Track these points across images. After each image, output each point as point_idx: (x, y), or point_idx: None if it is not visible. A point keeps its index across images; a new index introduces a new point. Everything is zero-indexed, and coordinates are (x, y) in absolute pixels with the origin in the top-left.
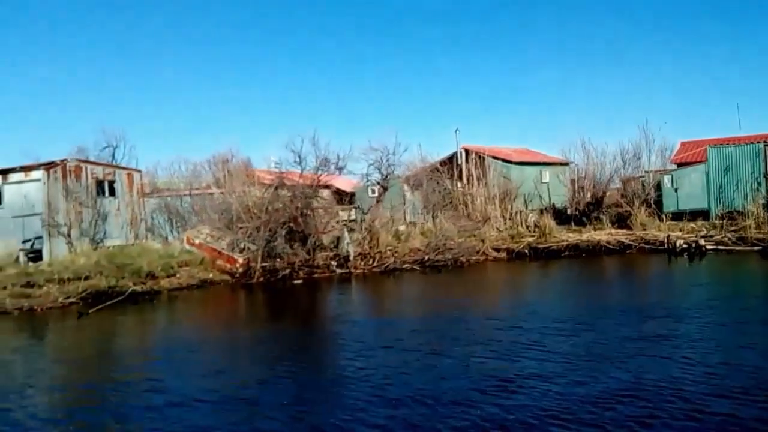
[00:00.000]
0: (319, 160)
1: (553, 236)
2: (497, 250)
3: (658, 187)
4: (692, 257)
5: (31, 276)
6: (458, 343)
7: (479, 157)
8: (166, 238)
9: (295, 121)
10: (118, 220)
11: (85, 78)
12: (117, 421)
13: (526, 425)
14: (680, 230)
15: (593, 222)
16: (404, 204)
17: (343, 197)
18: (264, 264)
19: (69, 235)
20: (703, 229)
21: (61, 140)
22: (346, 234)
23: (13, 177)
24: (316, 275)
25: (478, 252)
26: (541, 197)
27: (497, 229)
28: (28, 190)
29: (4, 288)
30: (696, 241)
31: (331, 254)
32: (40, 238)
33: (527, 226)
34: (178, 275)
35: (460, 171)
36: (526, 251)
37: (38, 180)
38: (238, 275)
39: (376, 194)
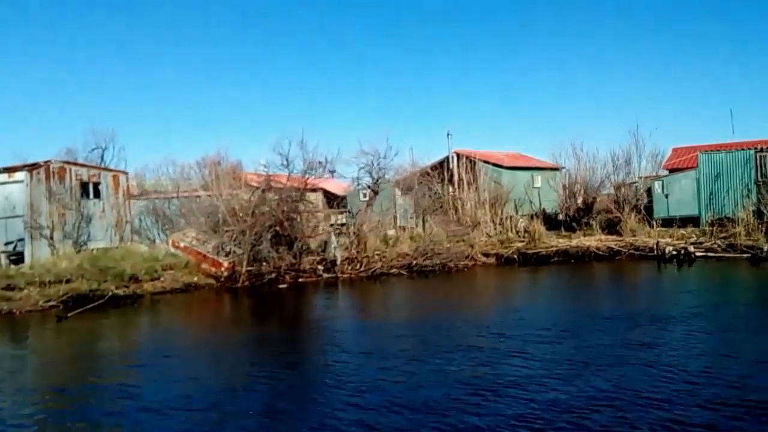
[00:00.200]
0: (307, 163)
1: (543, 242)
2: (486, 255)
3: (649, 193)
4: (681, 264)
5: (12, 278)
6: (439, 350)
7: (470, 161)
8: (154, 241)
9: (287, 122)
10: (103, 222)
11: (78, 79)
12: (88, 426)
13: None
14: (670, 236)
15: (583, 228)
16: (395, 208)
17: (335, 201)
18: (249, 268)
19: (51, 238)
20: (693, 235)
21: (53, 142)
22: (333, 238)
23: None
24: (302, 279)
25: (467, 257)
26: (531, 202)
27: (487, 234)
28: (11, 192)
29: None
30: (685, 248)
31: (318, 258)
32: (22, 240)
33: (517, 232)
34: (162, 279)
35: (451, 175)
36: (515, 257)
37: (21, 181)
38: (223, 279)
39: (367, 198)
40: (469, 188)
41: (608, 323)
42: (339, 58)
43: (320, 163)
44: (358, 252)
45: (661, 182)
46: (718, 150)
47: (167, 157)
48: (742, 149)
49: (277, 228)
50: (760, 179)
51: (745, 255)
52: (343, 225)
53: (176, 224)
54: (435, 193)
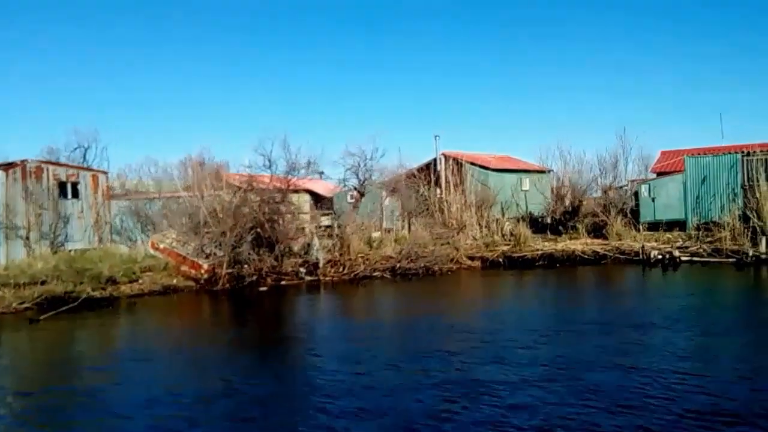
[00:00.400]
0: (290, 164)
1: (528, 245)
2: (471, 258)
3: (636, 196)
4: (666, 268)
5: None
6: (416, 355)
7: (457, 163)
8: (136, 242)
9: (274, 123)
10: (81, 222)
11: (61, 78)
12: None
13: None
14: (656, 241)
15: (569, 231)
16: (381, 210)
17: (322, 202)
18: (230, 270)
19: (27, 238)
20: (679, 239)
21: (35, 141)
22: (315, 240)
23: None
24: (284, 282)
25: (451, 260)
26: (518, 205)
27: (473, 237)
28: None
29: None
30: (670, 252)
31: (300, 261)
32: None
33: (503, 235)
34: (140, 281)
35: (437, 177)
36: (501, 260)
37: None
38: (203, 281)
39: (353, 200)
40: (455, 190)
41: (588, 328)
42: (326, 58)
43: (309, 163)
44: (341, 254)
45: (647, 186)
46: (705, 154)
47: (149, 157)
48: (729, 153)
49: (258, 230)
50: (746, 183)
51: (731, 260)
52: (328, 227)
53: (158, 225)
54: (421, 195)
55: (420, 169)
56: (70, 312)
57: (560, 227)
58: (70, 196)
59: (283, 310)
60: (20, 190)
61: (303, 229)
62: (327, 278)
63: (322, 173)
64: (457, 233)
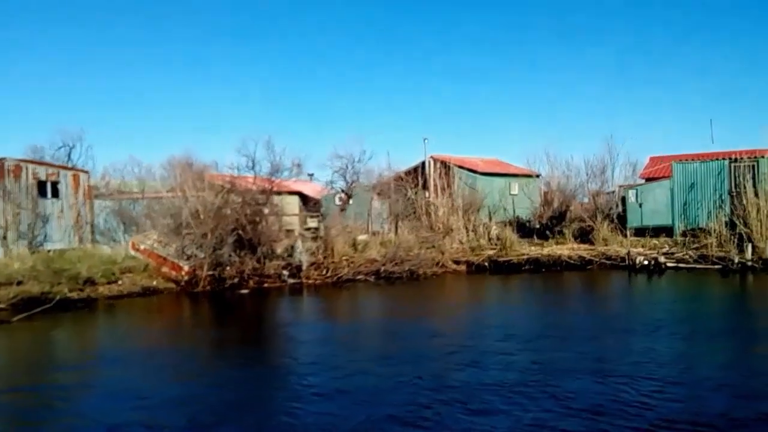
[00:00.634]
0: (273, 165)
1: (514, 249)
2: (457, 262)
3: (624, 202)
4: (651, 274)
5: None
6: (391, 360)
7: (445, 166)
8: (120, 243)
9: (262, 125)
10: (61, 222)
11: (47, 77)
12: None
13: None
14: (642, 246)
15: (556, 236)
16: (369, 213)
17: (311, 204)
18: (211, 272)
19: (5, 238)
20: (666, 245)
21: (19, 140)
22: (299, 242)
23: None
24: (266, 285)
25: (437, 264)
26: (505, 209)
27: (459, 241)
28: None
29: None
30: (656, 258)
31: (283, 263)
32: None
33: (490, 239)
34: (119, 282)
35: (425, 180)
36: (486, 264)
37: None
38: (183, 283)
39: (340, 202)
40: (443, 194)
41: (569, 334)
42: (315, 60)
43: (293, 164)
44: (325, 257)
45: (635, 191)
46: (693, 160)
47: (132, 156)
48: (716, 159)
49: (240, 231)
50: (733, 190)
51: (716, 266)
52: (316, 229)
53: (142, 226)
54: (408, 198)
55: (408, 172)
56: (45, 313)
57: (547, 232)
58: (49, 195)
59: (263, 312)
60: None
61: (286, 231)
62: (310, 281)
63: (312, 175)
64: (444, 237)
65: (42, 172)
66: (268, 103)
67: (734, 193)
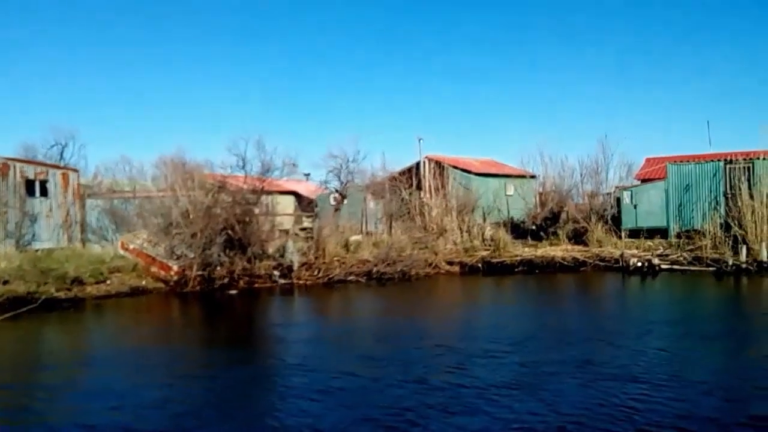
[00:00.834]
0: (265, 164)
1: (507, 251)
2: (450, 263)
3: (618, 203)
4: (645, 276)
5: None
6: (375, 364)
7: (439, 166)
8: (112, 242)
9: (257, 124)
10: (50, 221)
11: (40, 75)
12: None
13: None
14: (636, 248)
15: (550, 237)
16: (364, 213)
17: (306, 204)
18: (201, 272)
19: None
20: (660, 247)
21: (12, 139)
22: (290, 243)
23: None
24: (257, 285)
25: (430, 265)
26: (499, 210)
27: (453, 241)
28: None
29: None
30: (649, 260)
31: (274, 263)
32: None
33: (483, 240)
34: (108, 282)
35: (419, 180)
36: (480, 265)
37: None
38: (172, 283)
39: (335, 202)
40: (436, 194)
41: (558, 337)
42: (311, 59)
43: (293, 164)
44: (316, 258)
45: (629, 192)
46: (688, 161)
47: (124, 156)
48: (712, 161)
49: (229, 231)
50: (728, 192)
51: (711, 268)
52: (309, 229)
53: (133, 225)
54: (402, 198)
55: (403, 172)
56: (31, 313)
57: (541, 233)
58: (38, 194)
59: (251, 313)
60: None
61: (276, 231)
62: (301, 282)
63: (308, 175)
64: (437, 237)
65: (30, 171)
66: (267, 103)
67: (729, 195)
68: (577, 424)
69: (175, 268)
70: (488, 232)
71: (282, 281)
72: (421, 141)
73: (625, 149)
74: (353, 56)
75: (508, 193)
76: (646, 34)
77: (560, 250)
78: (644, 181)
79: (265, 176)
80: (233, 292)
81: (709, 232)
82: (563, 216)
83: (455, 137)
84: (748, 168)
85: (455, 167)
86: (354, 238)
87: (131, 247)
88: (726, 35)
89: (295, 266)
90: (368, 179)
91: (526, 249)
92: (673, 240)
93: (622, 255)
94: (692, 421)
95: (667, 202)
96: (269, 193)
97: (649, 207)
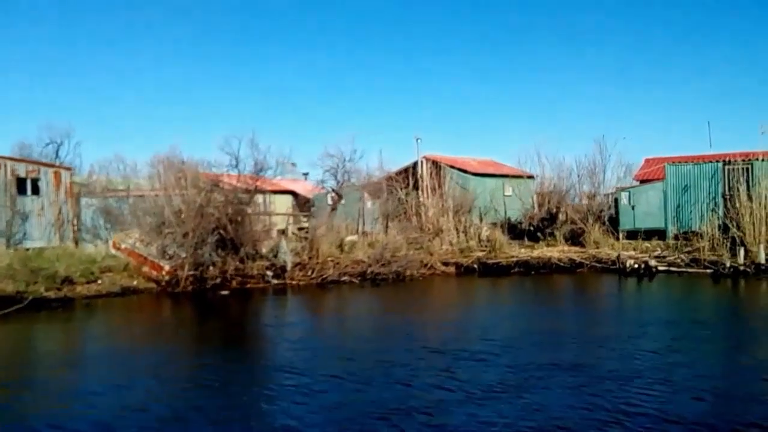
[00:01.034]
0: (258, 163)
1: (503, 252)
2: (446, 264)
3: (616, 204)
4: (641, 278)
5: None
6: (362, 366)
7: (436, 166)
8: (106, 241)
9: (255, 123)
10: (41, 220)
11: (36, 72)
12: None
13: None
14: (634, 249)
15: (547, 238)
16: (361, 213)
17: (304, 203)
18: (193, 272)
19: None
20: (658, 249)
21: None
22: (283, 243)
23: None
24: (249, 285)
25: (425, 265)
26: (496, 210)
27: (449, 242)
28: None
29: None
30: (646, 262)
31: (267, 264)
32: None
33: (480, 240)
34: (99, 281)
35: (416, 180)
36: (475, 266)
37: None
38: (163, 283)
39: (332, 202)
40: (433, 194)
41: (550, 340)
42: (310, 59)
43: (293, 164)
44: (310, 258)
45: (627, 193)
46: (687, 162)
47: (118, 154)
48: (710, 162)
49: (221, 231)
50: (727, 193)
51: (708, 270)
52: (306, 229)
53: (129, 224)
54: (399, 198)
55: (400, 172)
56: (20, 312)
57: (538, 234)
58: (29, 192)
59: (241, 314)
60: None
61: (273, 230)
62: (294, 282)
63: (306, 174)
64: (433, 238)
65: (21, 169)
66: (265, 102)
67: (728, 196)
68: (562, 429)
69: (167, 267)
70: (485, 232)
71: (275, 282)
72: (419, 141)
73: (624, 150)
74: (353, 56)
75: (506, 194)
76: (645, 34)
77: (557, 251)
78: (643, 181)
79: (258, 175)
80: (225, 292)
81: (707, 233)
82: (560, 217)
83: (456, 137)
84: (747, 169)
85: (452, 167)
86: (350, 238)
87: (123, 246)
88: (726, 35)
89: (289, 266)
90: (365, 179)
91: (523, 250)
92: (671, 241)
93: (618, 256)
94: (681, 426)
95: (665, 203)
96: (266, 192)
97: (647, 208)
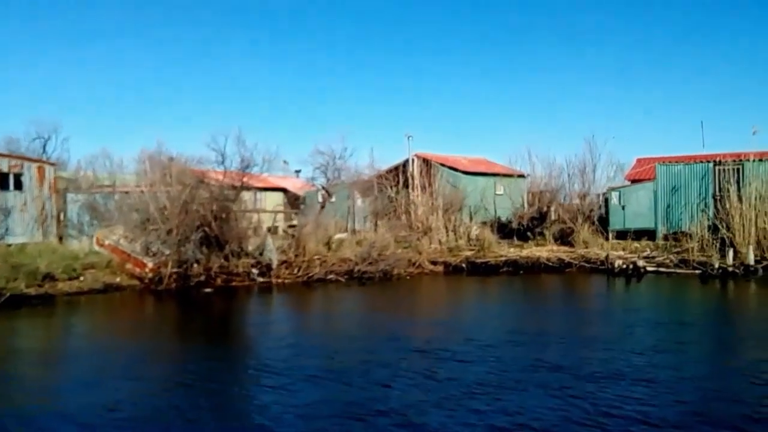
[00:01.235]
0: (244, 160)
1: (492, 251)
2: (434, 263)
3: (607, 203)
4: (629, 279)
5: None
6: (341, 367)
7: (426, 164)
8: (92, 238)
9: (247, 121)
10: (24, 216)
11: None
12: None
13: None
14: (623, 249)
15: (536, 237)
16: (351, 211)
17: (295, 201)
18: (176, 270)
19: None
20: (647, 249)
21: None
22: (269, 240)
23: None
24: (234, 283)
25: (414, 264)
26: (486, 209)
27: (438, 240)
28: None
29: None
30: (634, 262)
31: (253, 261)
32: None
33: (469, 239)
34: (81, 278)
35: (406, 179)
36: (464, 265)
37: None
38: (147, 280)
39: (321, 199)
40: (423, 192)
41: (534, 341)
42: (312, 58)
43: (284, 162)
44: (296, 256)
45: (618, 193)
46: (677, 162)
47: (104, 149)
48: (701, 162)
49: (206, 228)
50: (717, 193)
51: (697, 271)
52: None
53: (116, 221)
54: (388, 196)
55: (391, 170)
56: None
57: (528, 233)
58: (12, 187)
59: (224, 312)
60: None
61: (263, 228)
62: (280, 280)
63: (299, 171)
64: (422, 236)
65: (4, 164)
66: (257, 100)
67: (718, 197)
68: (538, 431)
69: (150, 265)
70: (474, 231)
71: (260, 280)
72: (410, 138)
73: (615, 149)
74: (352, 55)
75: (497, 192)
76: (643, 35)
77: (546, 250)
78: (634, 181)
79: (245, 172)
80: (209, 290)
81: (697, 234)
82: (551, 216)
83: (449, 136)
84: (738, 170)
85: (443, 165)
86: (339, 236)
87: (107, 243)
88: (724, 36)
89: (274, 264)
90: (355, 176)
91: (512, 249)
92: (661, 242)
93: (607, 257)
94: (661, 429)
95: (655, 203)
96: (257, 189)
97: (638, 208)
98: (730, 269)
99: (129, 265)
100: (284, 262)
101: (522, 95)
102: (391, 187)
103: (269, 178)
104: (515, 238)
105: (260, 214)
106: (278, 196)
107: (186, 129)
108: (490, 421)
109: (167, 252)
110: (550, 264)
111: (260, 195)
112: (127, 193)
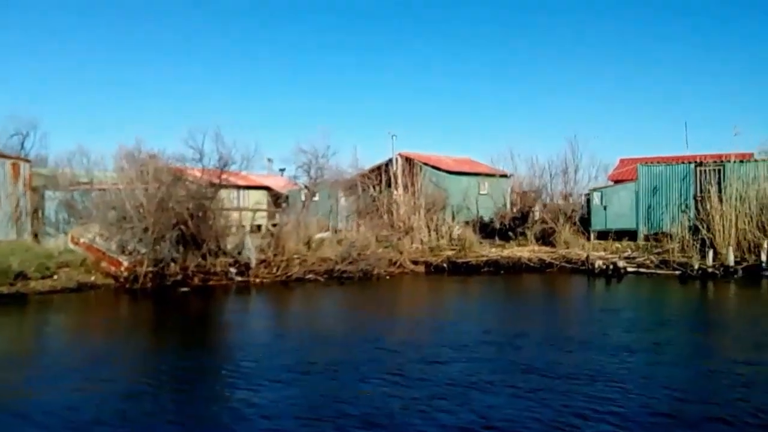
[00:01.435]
0: (222, 157)
1: (473, 251)
2: (415, 262)
3: (588, 204)
4: (609, 279)
5: None
6: (313, 369)
7: (410, 163)
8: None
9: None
10: None
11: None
12: None
13: None
14: (604, 250)
15: (518, 237)
16: (333, 210)
17: (279, 199)
18: (152, 269)
19: None
20: (628, 249)
21: None
22: (248, 239)
23: None
24: (212, 283)
25: (394, 264)
26: (468, 209)
27: (420, 240)
28: None
29: None
30: (614, 263)
31: (231, 260)
32: None
33: (451, 239)
34: (54, 277)
35: (389, 178)
36: (445, 265)
37: None
38: (122, 279)
39: (304, 198)
40: (406, 191)
41: (510, 341)
42: (307, 56)
43: (269, 160)
44: (275, 255)
45: (599, 193)
46: (659, 163)
47: (81, 146)
48: (683, 163)
49: (182, 227)
50: (698, 194)
51: (677, 272)
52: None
53: (93, 218)
54: (371, 195)
55: (373, 169)
56: None
57: (509, 233)
58: None
59: (199, 312)
60: None
61: (245, 226)
62: (258, 280)
63: (283, 170)
64: (404, 236)
65: None
66: (244, 97)
67: (699, 198)
68: None
69: (126, 263)
70: (456, 231)
71: (238, 279)
72: (395, 137)
73: (597, 149)
74: (348, 56)
75: (481, 192)
76: (628, 35)
77: (527, 250)
78: (617, 182)
79: (223, 170)
80: (186, 289)
81: (678, 235)
82: (531, 216)
83: (440, 135)
84: (719, 171)
85: (427, 164)
86: (320, 235)
87: (81, 241)
88: (710, 36)
89: (253, 264)
90: (339, 175)
91: (493, 249)
92: (642, 242)
93: (587, 257)
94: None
95: (636, 203)
96: (239, 187)
97: (619, 208)
98: (710, 270)
99: (104, 264)
100: (263, 261)
101: (505, 94)
102: (374, 187)
103: (252, 176)
104: (497, 238)
105: (240, 212)
106: (261, 195)
107: (166, 126)
108: (458, 422)
109: (143, 250)
110: (531, 264)
111: (243, 193)
112: (104, 190)
